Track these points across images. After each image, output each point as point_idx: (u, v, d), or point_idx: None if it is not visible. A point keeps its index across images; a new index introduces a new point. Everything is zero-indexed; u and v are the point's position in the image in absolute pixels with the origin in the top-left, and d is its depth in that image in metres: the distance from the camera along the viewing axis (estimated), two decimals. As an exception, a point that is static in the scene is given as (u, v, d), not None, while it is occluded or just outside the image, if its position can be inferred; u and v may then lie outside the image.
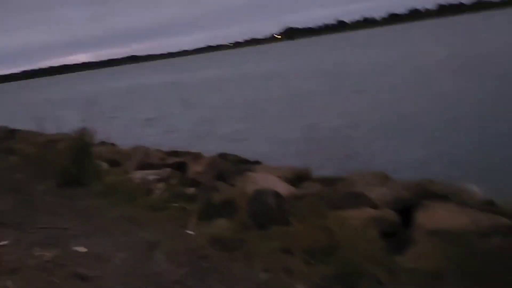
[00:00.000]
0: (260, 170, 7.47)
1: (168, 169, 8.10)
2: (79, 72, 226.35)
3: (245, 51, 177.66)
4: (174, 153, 10.12)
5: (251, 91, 29.52)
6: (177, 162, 8.41)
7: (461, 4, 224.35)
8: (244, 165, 8.19)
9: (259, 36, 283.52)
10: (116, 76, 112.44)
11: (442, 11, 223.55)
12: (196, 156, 8.26)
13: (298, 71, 41.25)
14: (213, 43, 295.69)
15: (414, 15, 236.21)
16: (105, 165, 9.00)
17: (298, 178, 6.90)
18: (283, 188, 5.87)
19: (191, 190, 6.73)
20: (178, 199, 6.36)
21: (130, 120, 23.66)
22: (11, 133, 15.70)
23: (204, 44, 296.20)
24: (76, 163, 7.96)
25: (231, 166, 7.39)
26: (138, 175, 8.05)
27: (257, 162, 9.19)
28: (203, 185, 6.42)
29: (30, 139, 13.02)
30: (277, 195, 4.96)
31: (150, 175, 7.95)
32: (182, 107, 25.10)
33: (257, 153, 10.59)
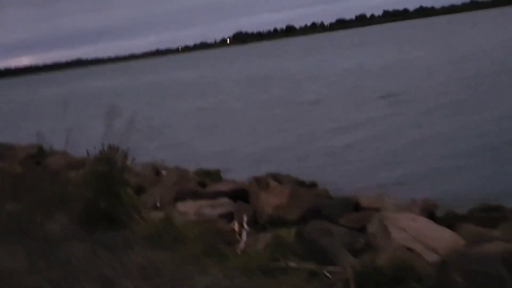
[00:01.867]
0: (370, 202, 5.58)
1: (226, 200, 6.11)
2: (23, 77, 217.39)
3: (191, 56, 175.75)
4: (207, 174, 8.10)
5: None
6: (235, 190, 6.41)
7: (405, 10, 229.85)
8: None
9: (210, 40, 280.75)
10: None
11: (388, 16, 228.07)
12: (261, 182, 6.29)
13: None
14: (162, 47, 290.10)
15: (362, 20, 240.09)
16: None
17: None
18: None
19: (289, 235, 4.77)
20: (285, 252, 4.38)
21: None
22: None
23: (154, 48, 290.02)
24: (105, 191, 5.87)
25: (326, 200, 5.48)
26: (188, 208, 6.02)
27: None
28: (349, 229, 4.44)
29: (15, 154, 10.73)
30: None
31: (205, 208, 5.93)
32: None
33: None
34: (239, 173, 8.95)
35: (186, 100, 27.67)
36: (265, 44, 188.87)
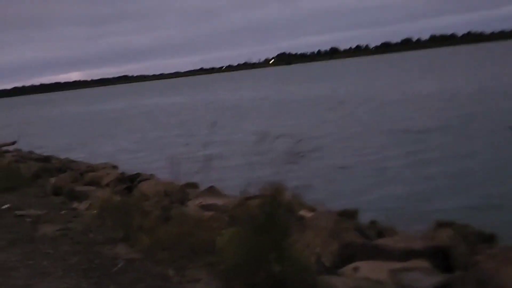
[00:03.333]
0: None
1: (425, 264, 4.52)
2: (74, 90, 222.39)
3: (237, 75, 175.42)
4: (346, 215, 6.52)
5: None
6: (434, 248, 4.79)
7: (452, 35, 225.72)
8: None
9: (254, 60, 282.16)
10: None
11: (435, 41, 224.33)
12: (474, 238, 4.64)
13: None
14: (206, 66, 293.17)
15: (408, 44, 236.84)
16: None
17: None
18: None
19: None
20: None
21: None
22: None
23: (198, 67, 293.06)
24: (272, 246, 4.38)
25: None
26: (376, 272, 4.42)
27: None
28: None
29: (99, 176, 9.42)
30: None
31: (404, 275, 4.33)
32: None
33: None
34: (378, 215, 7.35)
35: (262, 121, 25.31)
36: (309, 65, 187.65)
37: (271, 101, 38.31)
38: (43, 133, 25.74)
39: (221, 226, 5.45)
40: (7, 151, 17.40)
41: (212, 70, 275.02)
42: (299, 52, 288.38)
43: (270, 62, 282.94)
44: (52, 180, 10.26)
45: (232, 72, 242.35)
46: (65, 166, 12.80)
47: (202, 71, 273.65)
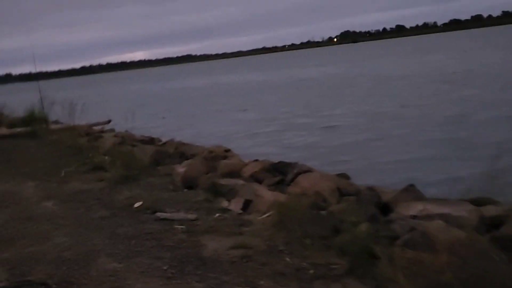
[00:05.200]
0: None
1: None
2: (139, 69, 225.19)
3: (303, 53, 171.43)
4: None
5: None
6: None
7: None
8: None
9: (317, 38, 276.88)
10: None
11: (507, 17, 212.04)
12: None
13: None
14: (268, 44, 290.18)
15: (478, 21, 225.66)
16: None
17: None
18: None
19: None
20: None
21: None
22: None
23: (260, 46, 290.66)
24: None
25: None
26: None
27: None
28: None
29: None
30: None
31: None
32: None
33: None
34: None
35: (362, 99, 22.82)
36: (376, 43, 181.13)
37: (369, 77, 35.34)
38: (128, 111, 24.30)
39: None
40: (102, 131, 15.85)
41: (274, 49, 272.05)
42: (363, 30, 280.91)
43: (335, 40, 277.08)
44: (179, 168, 8.33)
45: (296, 51, 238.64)
46: (178, 149, 10.89)
47: (264, 50, 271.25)
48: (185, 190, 7.70)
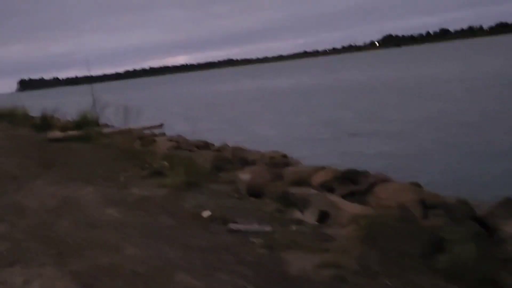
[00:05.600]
0: None
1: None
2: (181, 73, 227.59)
3: (342, 58, 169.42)
4: None
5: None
6: None
7: None
8: None
9: (358, 43, 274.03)
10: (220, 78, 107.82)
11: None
12: None
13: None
14: (309, 48, 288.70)
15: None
16: None
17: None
18: None
19: None
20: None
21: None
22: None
23: (301, 50, 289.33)
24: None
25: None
26: None
27: None
28: None
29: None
30: None
31: None
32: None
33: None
34: None
35: (419, 104, 21.85)
36: (421, 48, 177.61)
37: (421, 81, 34.19)
38: (177, 115, 23.92)
39: None
40: (155, 135, 15.64)
41: (316, 53, 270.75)
42: (406, 34, 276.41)
43: (377, 44, 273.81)
44: (242, 175, 7.94)
45: (337, 55, 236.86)
46: (237, 155, 10.52)
47: (306, 54, 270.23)
48: (251, 198, 7.31)
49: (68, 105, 21.63)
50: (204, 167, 8.97)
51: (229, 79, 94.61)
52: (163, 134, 16.63)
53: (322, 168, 8.18)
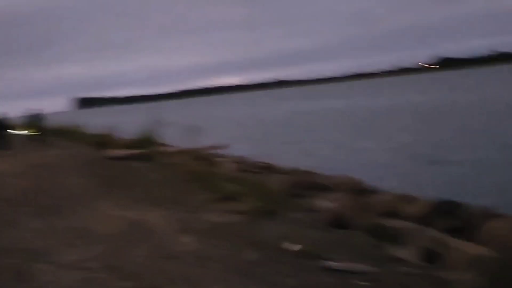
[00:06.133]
0: None
1: None
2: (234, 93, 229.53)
3: (395, 80, 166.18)
4: None
5: None
6: None
7: None
8: None
9: (410, 65, 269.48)
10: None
11: None
12: None
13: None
14: (360, 71, 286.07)
15: None
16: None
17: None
18: None
19: None
20: None
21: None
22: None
23: (353, 71, 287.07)
24: None
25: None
26: None
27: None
28: None
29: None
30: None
31: None
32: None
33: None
34: None
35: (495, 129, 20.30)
36: (475, 71, 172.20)
37: (488, 104, 32.46)
38: (238, 135, 23.33)
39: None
40: (217, 155, 15.18)
41: (368, 75, 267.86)
42: (462, 56, 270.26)
43: (431, 66, 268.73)
44: (323, 203, 7.26)
45: (390, 77, 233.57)
46: (309, 179, 9.84)
47: (358, 76, 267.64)
48: (337, 229, 6.61)
49: (126, 123, 21.47)
50: (278, 192, 8.35)
51: (283, 99, 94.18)
52: (225, 155, 16.17)
53: (411, 197, 7.42)
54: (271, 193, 8.11)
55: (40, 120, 26.32)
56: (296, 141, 23.13)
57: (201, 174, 11.00)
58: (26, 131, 35.50)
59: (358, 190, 8.43)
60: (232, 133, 20.50)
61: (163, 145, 16.67)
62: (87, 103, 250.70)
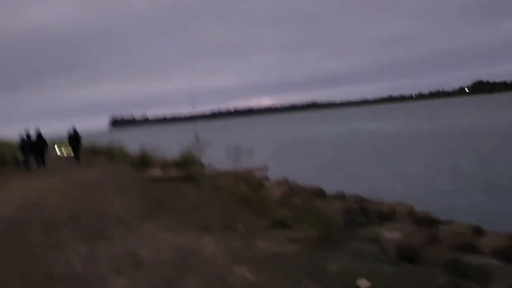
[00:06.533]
0: None
1: None
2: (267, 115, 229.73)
3: (429, 104, 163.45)
4: None
5: None
6: None
7: None
8: None
9: (447, 88, 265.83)
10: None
11: None
12: None
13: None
14: (395, 93, 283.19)
15: None
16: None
17: None
18: None
19: None
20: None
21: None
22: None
23: (386, 94, 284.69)
24: None
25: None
26: None
27: None
28: None
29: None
30: None
31: None
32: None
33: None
34: None
35: None
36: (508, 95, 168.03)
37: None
38: (276, 157, 22.89)
39: None
40: (261, 178, 14.73)
41: (402, 98, 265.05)
42: (498, 80, 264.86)
43: (466, 90, 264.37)
44: (389, 234, 6.71)
45: (424, 101, 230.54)
46: (364, 206, 9.29)
47: (391, 99, 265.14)
48: (405, 263, 6.06)
49: (164, 144, 21.07)
50: (334, 219, 7.84)
51: (316, 122, 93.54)
52: (268, 178, 15.73)
53: (480, 229, 6.82)
54: (327, 220, 7.60)
55: (78, 139, 26.47)
56: (339, 164, 22.51)
57: (250, 198, 10.57)
58: (65, 150, 35.87)
59: (421, 219, 7.84)
60: (272, 155, 19.94)
61: (205, 166, 16.32)
62: (120, 123, 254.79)
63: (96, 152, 27.88)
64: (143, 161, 18.95)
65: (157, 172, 15.70)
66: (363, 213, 8.53)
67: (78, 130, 26.77)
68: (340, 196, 11.00)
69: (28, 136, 22.22)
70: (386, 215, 8.44)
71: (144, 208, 10.46)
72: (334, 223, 7.49)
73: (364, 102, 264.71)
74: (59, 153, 35.47)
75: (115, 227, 8.83)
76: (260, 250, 6.75)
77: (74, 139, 26.66)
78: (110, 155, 24.58)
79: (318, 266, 5.88)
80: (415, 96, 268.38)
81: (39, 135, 22.15)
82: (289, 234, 7.45)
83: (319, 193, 11.74)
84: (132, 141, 26.86)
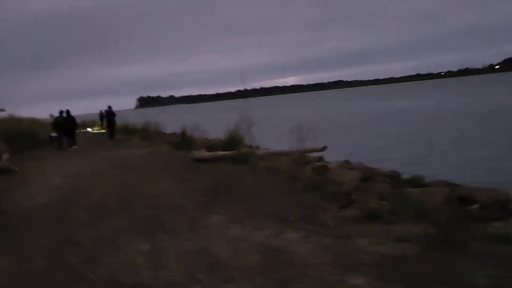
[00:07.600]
0: None
1: None
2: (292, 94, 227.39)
3: (459, 81, 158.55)
4: None
5: None
6: None
7: None
8: None
9: (477, 66, 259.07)
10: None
11: None
12: None
13: None
14: (423, 71, 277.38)
15: None
16: None
17: None
18: None
19: None
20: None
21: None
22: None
23: (414, 72, 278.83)
24: None
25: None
26: None
27: None
28: None
29: None
30: None
31: None
32: None
33: None
34: None
35: None
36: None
37: None
38: (329, 136, 21.36)
39: None
40: (320, 159, 13.43)
41: (429, 76, 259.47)
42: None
43: (496, 67, 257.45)
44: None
45: (453, 78, 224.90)
46: (460, 195, 7.90)
47: (418, 77, 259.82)
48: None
49: (196, 122, 19.47)
50: (443, 212, 6.48)
51: (346, 100, 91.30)
52: (321, 159, 14.41)
53: None
54: (433, 214, 6.25)
55: (113, 117, 25.54)
56: (406, 144, 20.86)
57: (318, 183, 9.28)
58: (97, 129, 35.07)
59: None
60: (326, 134, 18.45)
61: (252, 146, 15.05)
62: (147, 102, 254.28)
63: (130, 131, 26.87)
64: (185, 140, 17.77)
65: (203, 152, 14.47)
66: (469, 204, 7.15)
67: (112, 108, 25.97)
68: (422, 182, 9.60)
69: (61, 115, 21.50)
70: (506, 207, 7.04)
71: (200, 195, 9.25)
72: (444, 217, 6.11)
73: (392, 80, 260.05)
74: (91, 132, 34.65)
75: (175, 217, 7.64)
76: (364, 251, 5.47)
77: (108, 117, 25.79)
78: (145, 134, 23.50)
79: (459, 278, 4.56)
80: (444, 73, 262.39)
81: (69, 114, 21.38)
82: (390, 230, 6.16)
83: (399, 178, 10.36)
84: (163, 120, 25.63)
